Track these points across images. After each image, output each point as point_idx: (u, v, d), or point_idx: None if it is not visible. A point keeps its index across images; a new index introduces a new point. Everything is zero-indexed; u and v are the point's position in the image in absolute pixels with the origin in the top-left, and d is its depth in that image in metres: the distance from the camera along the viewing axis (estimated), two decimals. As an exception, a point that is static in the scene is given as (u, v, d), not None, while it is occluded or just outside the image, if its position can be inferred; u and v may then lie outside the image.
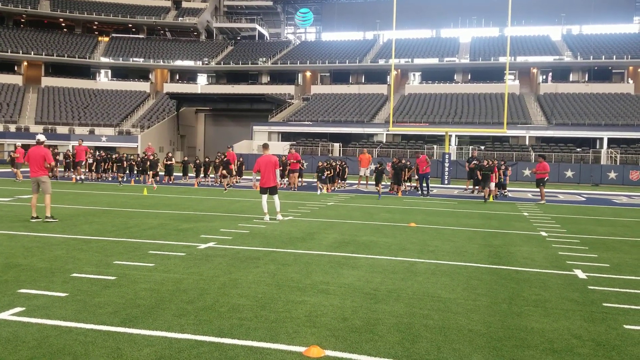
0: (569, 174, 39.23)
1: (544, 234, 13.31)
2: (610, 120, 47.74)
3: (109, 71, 69.98)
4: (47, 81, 65.49)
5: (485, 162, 22.41)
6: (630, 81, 58.37)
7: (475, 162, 26.20)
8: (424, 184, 24.39)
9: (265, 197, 14.53)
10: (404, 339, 5.48)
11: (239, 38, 79.04)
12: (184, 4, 75.83)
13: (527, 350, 5.30)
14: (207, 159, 29.96)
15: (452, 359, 5.01)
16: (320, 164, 25.91)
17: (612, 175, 38.80)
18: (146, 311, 6.17)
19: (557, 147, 44.50)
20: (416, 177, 26.03)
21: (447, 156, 32.97)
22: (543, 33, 69.99)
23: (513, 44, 58.80)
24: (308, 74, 67.56)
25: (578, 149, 44.11)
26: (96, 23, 73.97)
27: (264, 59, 67.53)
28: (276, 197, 14.61)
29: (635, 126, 46.08)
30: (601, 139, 45.56)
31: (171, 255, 9.40)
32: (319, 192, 24.19)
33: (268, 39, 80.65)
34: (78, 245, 10.13)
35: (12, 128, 54.31)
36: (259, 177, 14.61)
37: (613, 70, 60.62)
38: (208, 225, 13.26)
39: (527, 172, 38.79)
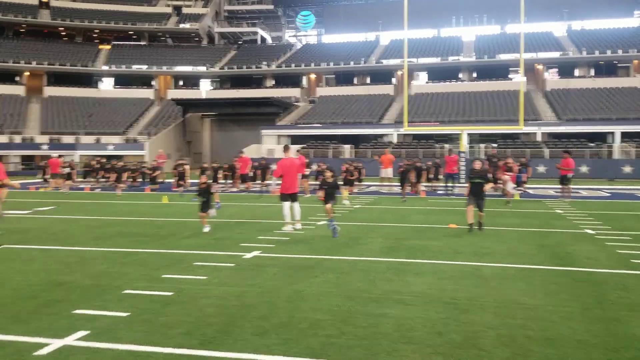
0: (584, 169, 38.70)
1: (590, 232, 12.84)
2: (620, 115, 47.20)
3: (112, 79, 69.42)
4: (50, 91, 64.84)
5: (477, 165, 14.72)
6: (637, 75, 57.85)
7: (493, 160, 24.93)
8: (450, 183, 23.87)
9: (287, 204, 13.08)
10: (515, 354, 5.01)
11: (240, 42, 78.51)
12: (185, 10, 75.13)
13: (652, 362, 4.84)
14: (225, 166, 29.20)
15: (578, 376, 4.55)
16: (347, 166, 25.21)
17: (628, 169, 38.28)
18: (221, 330, 5.71)
19: (570, 142, 43.98)
20: (441, 176, 25.66)
21: (462, 155, 32.48)
22: (546, 29, 69.47)
23: (517, 41, 58.31)
24: (313, 76, 67.03)
25: (591, 144, 43.61)
26: (97, 31, 73.40)
27: (268, 62, 67.04)
28: (297, 204, 13.38)
29: (646, 120, 45.57)
30: (613, 134, 45.04)
31: (220, 266, 8.93)
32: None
33: (270, 42, 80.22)
34: (118, 259, 9.64)
35: (18, 139, 53.81)
36: (279, 182, 13.37)
37: (618, 65, 60.13)
38: (243, 233, 12.76)
39: (541, 169, 38.29)
